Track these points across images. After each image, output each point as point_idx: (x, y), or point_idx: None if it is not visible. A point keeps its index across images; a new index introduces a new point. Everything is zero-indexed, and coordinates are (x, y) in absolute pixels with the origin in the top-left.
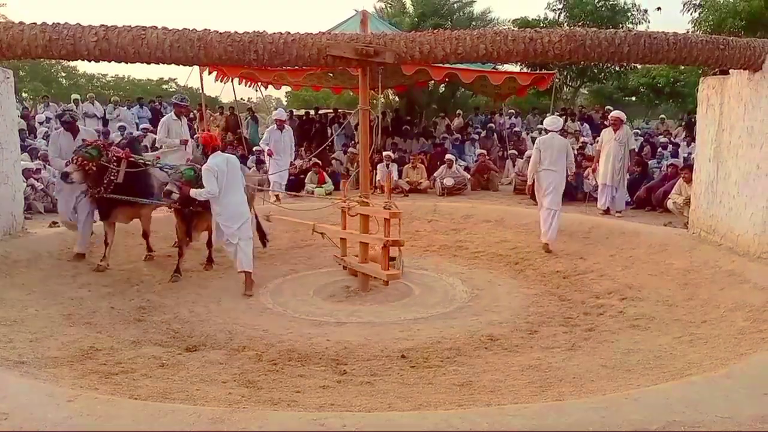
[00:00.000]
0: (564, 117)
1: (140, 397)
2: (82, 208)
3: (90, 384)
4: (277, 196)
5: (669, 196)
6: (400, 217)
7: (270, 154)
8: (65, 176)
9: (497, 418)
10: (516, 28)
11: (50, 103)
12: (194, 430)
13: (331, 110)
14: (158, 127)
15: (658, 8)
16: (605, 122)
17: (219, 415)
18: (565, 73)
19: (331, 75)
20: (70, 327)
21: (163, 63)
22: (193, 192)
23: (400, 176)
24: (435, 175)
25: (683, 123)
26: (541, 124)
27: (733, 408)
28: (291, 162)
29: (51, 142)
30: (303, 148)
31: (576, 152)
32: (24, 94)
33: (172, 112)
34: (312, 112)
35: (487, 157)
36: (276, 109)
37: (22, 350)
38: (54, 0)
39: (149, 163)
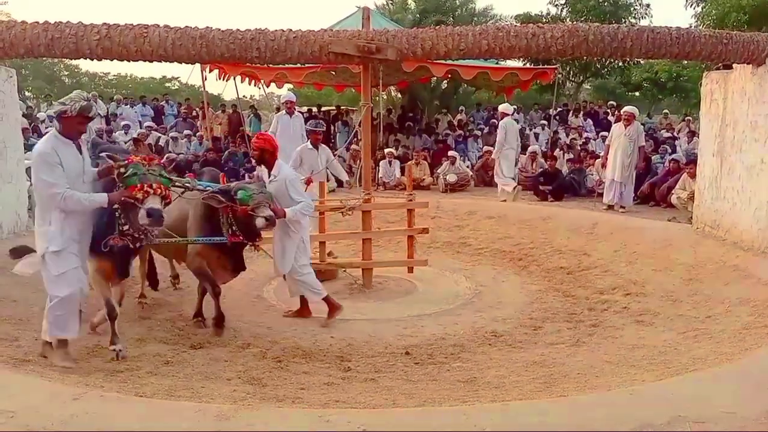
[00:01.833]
0: (567, 112)
1: (145, 395)
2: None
3: (95, 382)
4: None
5: (673, 191)
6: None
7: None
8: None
9: (501, 415)
10: (518, 24)
11: (53, 102)
12: (199, 428)
13: (334, 108)
14: (292, 158)
15: None
16: (608, 118)
17: (224, 412)
18: (567, 68)
19: (333, 73)
20: None
21: (166, 61)
22: (291, 212)
23: (402, 173)
24: (438, 171)
25: (685, 118)
26: (544, 120)
27: (738, 403)
28: None
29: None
30: None
31: (579, 148)
32: (27, 93)
33: (308, 142)
34: (314, 109)
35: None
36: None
37: (28, 348)
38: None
39: (187, 185)
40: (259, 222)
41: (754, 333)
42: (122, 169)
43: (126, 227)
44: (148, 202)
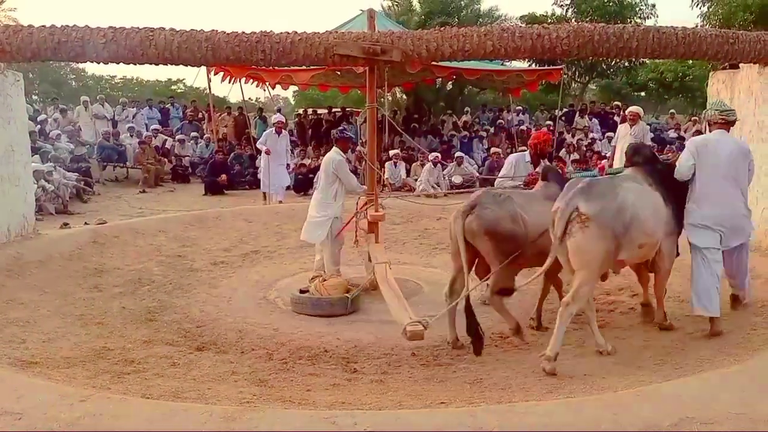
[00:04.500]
0: (573, 113)
1: (152, 397)
2: None
3: (102, 384)
4: (264, 194)
5: None
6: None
7: (268, 153)
8: None
9: (508, 416)
10: (523, 25)
11: (59, 106)
12: (206, 429)
13: (339, 109)
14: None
15: None
16: (614, 118)
17: (231, 414)
18: (573, 69)
19: (339, 73)
20: (82, 327)
21: (172, 64)
22: None
23: (408, 174)
24: (444, 172)
25: (692, 118)
26: (549, 120)
27: (746, 404)
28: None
29: None
30: (311, 147)
31: (585, 149)
32: (34, 97)
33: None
34: (320, 111)
35: (500, 155)
36: (277, 111)
37: (35, 351)
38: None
39: None
40: None
41: (761, 333)
42: None
43: None
44: None
